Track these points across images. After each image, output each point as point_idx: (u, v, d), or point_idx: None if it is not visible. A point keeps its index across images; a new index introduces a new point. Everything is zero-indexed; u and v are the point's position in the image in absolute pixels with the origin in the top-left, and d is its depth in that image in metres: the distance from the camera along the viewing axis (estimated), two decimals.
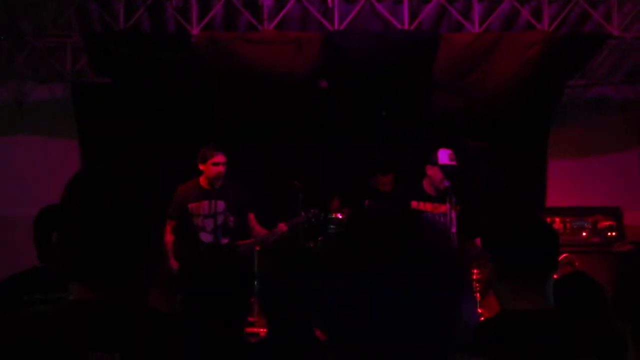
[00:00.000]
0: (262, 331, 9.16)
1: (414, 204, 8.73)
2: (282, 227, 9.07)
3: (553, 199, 11.11)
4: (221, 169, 8.65)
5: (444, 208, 8.47)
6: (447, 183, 8.47)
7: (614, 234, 10.02)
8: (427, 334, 1.80)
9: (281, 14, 10.02)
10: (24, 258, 5.50)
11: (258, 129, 10.65)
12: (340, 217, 9.88)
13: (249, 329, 9.31)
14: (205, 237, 8.81)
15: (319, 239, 9.78)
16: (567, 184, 11.22)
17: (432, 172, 8.68)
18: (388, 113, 10.41)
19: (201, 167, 8.77)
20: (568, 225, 9.98)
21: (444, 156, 8.62)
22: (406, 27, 10.05)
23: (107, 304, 2.34)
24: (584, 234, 10.05)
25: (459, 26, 10.35)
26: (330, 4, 10.00)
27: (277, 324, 3.86)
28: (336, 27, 10.02)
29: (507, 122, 10.63)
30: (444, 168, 8.58)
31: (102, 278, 2.37)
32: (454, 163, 8.58)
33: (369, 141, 10.79)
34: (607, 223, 10.13)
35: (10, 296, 4.53)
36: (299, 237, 9.78)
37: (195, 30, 10.01)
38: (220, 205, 8.79)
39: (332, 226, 9.84)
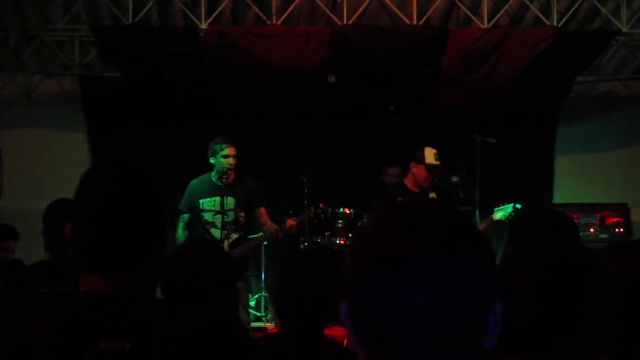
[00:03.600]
0: (269, 326, 9.22)
1: (398, 200, 8.76)
2: (291, 222, 9.05)
3: (560, 195, 11.11)
4: (232, 161, 8.62)
5: None
6: (430, 181, 8.82)
7: (622, 230, 10.03)
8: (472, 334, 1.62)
9: (290, 9, 10.05)
10: (33, 251, 5.53)
11: (265, 123, 10.62)
12: (348, 212, 9.87)
13: (256, 324, 9.37)
14: (215, 233, 8.82)
15: (326, 234, 9.77)
16: (574, 180, 11.21)
17: (417, 169, 8.89)
18: (396, 107, 10.38)
19: (212, 160, 8.76)
20: (575, 221, 9.97)
21: (429, 155, 8.84)
22: (415, 22, 10.07)
23: (119, 294, 2.37)
24: (591, 230, 10.05)
25: (467, 21, 10.37)
26: None
27: (291, 327, 3.86)
28: (345, 21, 10.04)
29: (515, 118, 10.62)
30: (429, 167, 8.81)
31: (115, 268, 2.39)
32: (438, 162, 8.82)
33: (376, 135, 10.76)
34: (615, 219, 10.13)
35: (17, 290, 4.55)
36: (306, 233, 9.78)
37: (203, 25, 10.03)
38: (231, 201, 8.78)
39: (339, 221, 9.82)
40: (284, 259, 8.91)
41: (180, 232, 8.72)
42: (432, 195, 8.79)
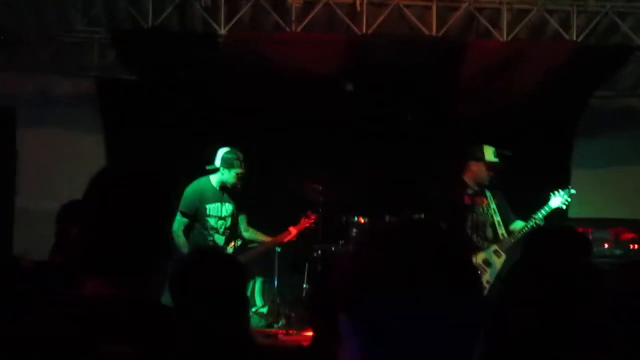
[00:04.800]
0: (281, 332, 9.20)
1: (466, 199, 8.87)
2: (292, 230, 9.21)
3: (575, 209, 11.05)
4: (241, 181, 8.81)
5: (486, 201, 8.91)
6: (490, 178, 8.96)
7: (636, 246, 9.97)
8: None
9: (309, 16, 10.04)
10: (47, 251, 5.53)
11: (282, 129, 10.61)
12: (363, 221, 9.86)
13: (268, 330, 9.35)
14: (219, 239, 8.89)
15: (341, 242, 9.78)
16: (589, 194, 11.15)
17: (477, 167, 9.02)
18: (413, 117, 10.37)
19: (223, 171, 8.85)
20: (590, 236, 9.94)
21: (489, 153, 9.00)
22: (434, 33, 10.05)
23: (121, 297, 2.37)
24: (605, 245, 10.00)
25: (486, 34, 10.32)
26: (358, 8, 10.01)
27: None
28: (364, 30, 10.04)
29: (532, 131, 10.58)
30: (489, 164, 8.98)
31: (119, 272, 2.39)
32: (498, 160, 8.99)
33: (393, 144, 10.71)
34: (630, 235, 10.09)
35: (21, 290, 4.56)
36: (317, 240, 9.79)
37: (223, 30, 10.04)
38: (230, 207, 8.91)
39: (354, 229, 9.83)
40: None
41: (181, 236, 8.77)
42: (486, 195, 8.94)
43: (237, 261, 4.48)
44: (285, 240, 9.52)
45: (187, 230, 8.91)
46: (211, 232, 8.87)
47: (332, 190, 9.84)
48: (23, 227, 9.50)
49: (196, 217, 8.90)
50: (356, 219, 9.81)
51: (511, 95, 10.04)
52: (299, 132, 10.65)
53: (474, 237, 8.88)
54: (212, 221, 8.89)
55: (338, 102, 10.33)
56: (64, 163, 10.86)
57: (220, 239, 8.86)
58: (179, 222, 8.79)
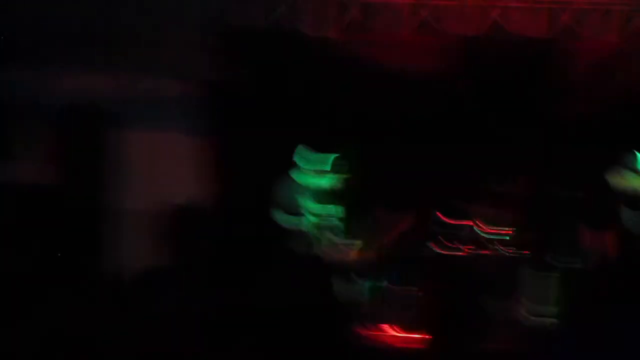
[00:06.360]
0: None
1: None
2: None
3: None
4: None
5: None
6: None
7: None
8: None
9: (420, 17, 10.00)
10: None
11: (386, 132, 10.58)
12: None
13: None
14: None
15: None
16: None
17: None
18: (518, 119, 10.38)
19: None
20: None
21: None
22: (545, 33, 10.03)
23: None
24: None
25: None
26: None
27: None
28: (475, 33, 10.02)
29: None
30: None
31: None
32: None
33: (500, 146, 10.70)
34: None
35: None
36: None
37: (331, 33, 9.99)
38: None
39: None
40: None
41: None
42: None
43: None
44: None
45: None
46: None
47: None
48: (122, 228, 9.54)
49: None
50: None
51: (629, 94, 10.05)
52: (400, 134, 10.62)
53: None
54: None
55: (445, 103, 10.33)
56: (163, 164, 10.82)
57: None
58: None
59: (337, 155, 9.11)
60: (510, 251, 9.79)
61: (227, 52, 10.42)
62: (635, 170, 8.87)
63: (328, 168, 9.04)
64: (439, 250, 9.85)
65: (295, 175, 9.33)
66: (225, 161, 10.63)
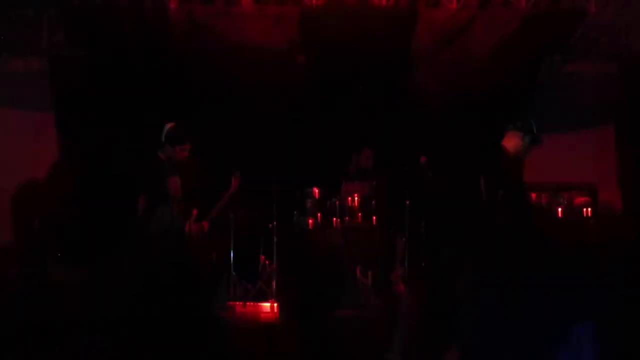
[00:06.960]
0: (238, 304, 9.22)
1: None
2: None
3: (528, 175, 11.11)
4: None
5: None
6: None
7: (589, 211, 10.03)
8: None
9: None
10: None
11: (233, 103, 10.53)
12: (317, 191, 9.96)
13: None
14: None
15: (295, 213, 9.85)
16: (542, 159, 11.23)
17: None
18: (365, 88, 10.38)
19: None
20: (544, 201, 10.00)
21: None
22: (384, 2, 10.06)
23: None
24: (559, 209, 10.05)
25: (436, 2, 10.33)
26: None
27: None
28: (314, 2, 10.02)
29: (486, 100, 10.56)
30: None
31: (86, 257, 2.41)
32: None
33: (345, 116, 10.69)
34: (583, 199, 10.16)
35: None
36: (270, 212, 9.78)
37: (173, 4, 9.96)
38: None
39: (308, 200, 9.93)
40: None
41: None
42: None
43: None
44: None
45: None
46: None
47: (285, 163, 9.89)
48: None
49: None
50: (310, 189, 9.90)
51: (463, 63, 10.08)
52: (249, 105, 10.58)
53: None
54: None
55: (290, 73, 10.30)
56: (16, 141, 10.73)
57: None
58: None
59: (172, 124, 8.57)
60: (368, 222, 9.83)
61: (67, 28, 10.32)
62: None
63: (162, 139, 8.47)
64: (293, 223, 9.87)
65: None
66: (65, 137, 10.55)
